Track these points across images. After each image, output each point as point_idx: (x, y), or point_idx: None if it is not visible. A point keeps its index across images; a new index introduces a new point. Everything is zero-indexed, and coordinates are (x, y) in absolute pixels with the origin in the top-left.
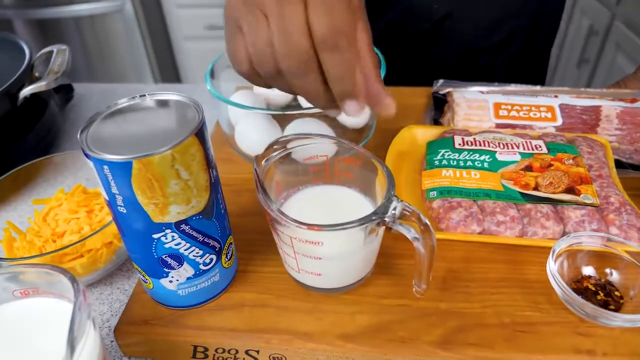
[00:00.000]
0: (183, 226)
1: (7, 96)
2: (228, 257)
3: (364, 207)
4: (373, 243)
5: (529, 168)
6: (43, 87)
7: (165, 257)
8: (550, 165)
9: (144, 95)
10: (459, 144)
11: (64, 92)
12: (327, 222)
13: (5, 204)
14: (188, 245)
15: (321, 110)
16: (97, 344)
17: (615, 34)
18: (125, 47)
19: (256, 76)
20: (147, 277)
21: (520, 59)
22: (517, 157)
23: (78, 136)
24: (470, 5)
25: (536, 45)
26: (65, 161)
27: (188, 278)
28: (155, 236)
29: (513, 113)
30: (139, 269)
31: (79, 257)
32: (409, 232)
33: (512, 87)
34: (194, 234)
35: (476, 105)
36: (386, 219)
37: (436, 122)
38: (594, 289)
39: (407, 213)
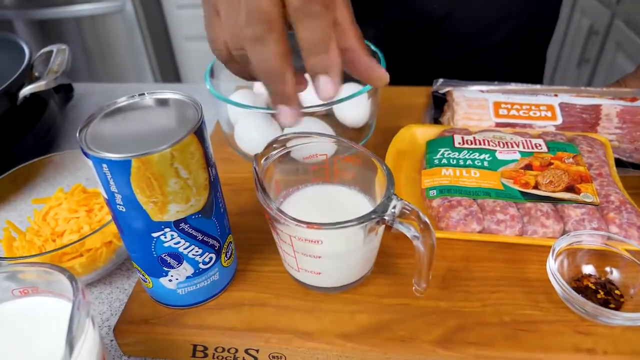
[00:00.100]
0: (182, 225)
1: (6, 95)
2: (227, 256)
3: (364, 206)
4: (373, 242)
5: (529, 167)
6: (43, 86)
7: (165, 256)
8: (550, 164)
9: (143, 94)
10: (459, 143)
11: (64, 91)
12: (326, 221)
13: (4, 204)
14: (187, 244)
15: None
16: (96, 343)
17: (615, 33)
18: (125, 47)
19: (235, 62)
20: (146, 276)
21: (519, 59)
22: (517, 156)
23: (77, 135)
24: (470, 5)
25: (535, 46)
26: (65, 161)
27: (187, 277)
28: (155, 235)
29: (513, 112)
30: (139, 268)
31: (79, 256)
32: (409, 230)
33: (512, 86)
34: (194, 232)
35: (476, 104)
36: (386, 218)
37: (436, 121)
38: (594, 287)
39: (407, 211)
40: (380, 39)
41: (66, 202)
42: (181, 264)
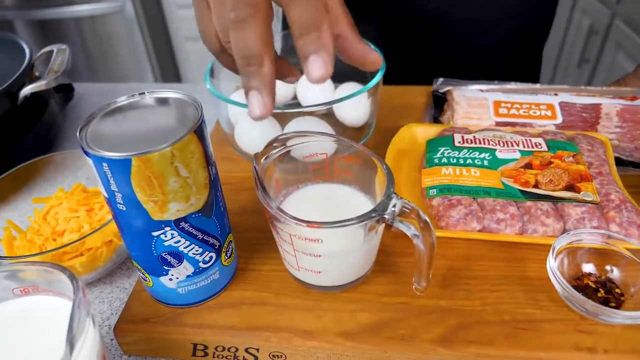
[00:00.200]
0: (182, 224)
1: (7, 95)
2: (228, 255)
3: (364, 205)
4: (373, 241)
5: (528, 166)
6: (43, 86)
7: (165, 254)
8: (550, 162)
9: (143, 93)
10: (459, 142)
11: (64, 91)
12: (326, 220)
13: (5, 203)
14: (187, 243)
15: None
16: (96, 342)
17: (615, 33)
18: (125, 48)
19: (226, 54)
20: (146, 275)
21: (517, 59)
22: (517, 155)
23: (77, 134)
24: (469, 5)
25: (532, 46)
26: (66, 160)
27: (188, 276)
28: (155, 234)
29: (513, 111)
30: (139, 267)
31: (79, 255)
32: (409, 229)
33: (512, 86)
34: (194, 231)
35: (476, 103)
36: (386, 216)
37: (436, 120)
38: (594, 286)
39: (407, 210)
40: (378, 38)
41: (66, 201)
42: (181, 262)
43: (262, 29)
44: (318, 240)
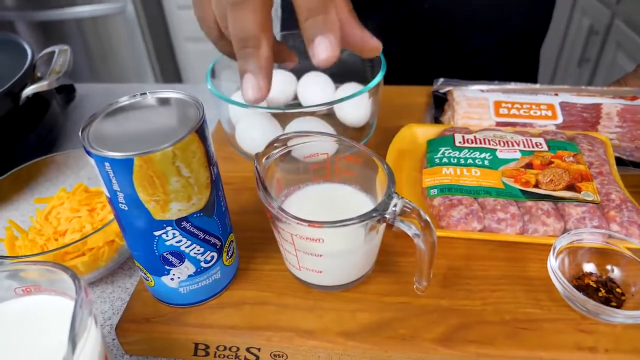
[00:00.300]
0: (184, 223)
1: (9, 96)
2: (229, 254)
3: (365, 204)
4: (374, 240)
5: (529, 165)
6: (45, 86)
7: (167, 254)
8: (551, 162)
9: (145, 93)
10: (460, 142)
11: (66, 92)
12: (327, 220)
13: (7, 203)
14: (189, 242)
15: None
16: (98, 341)
17: (615, 33)
18: (126, 48)
19: (224, 40)
20: (148, 274)
21: (515, 59)
22: (518, 155)
23: (79, 134)
24: (465, 4)
25: (530, 46)
26: (67, 160)
27: (189, 276)
28: (157, 233)
29: (513, 111)
30: (141, 267)
31: (81, 255)
32: (410, 228)
33: (512, 86)
34: (195, 231)
35: (476, 103)
36: (387, 216)
37: (436, 120)
38: (595, 285)
39: (408, 210)
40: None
41: (68, 201)
42: (183, 262)
43: (261, 11)
44: (319, 240)
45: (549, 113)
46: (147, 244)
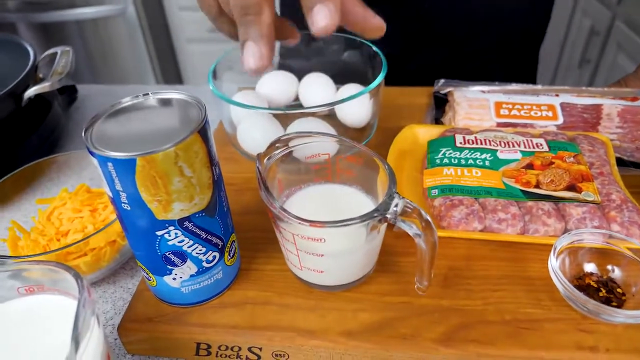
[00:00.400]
0: (186, 223)
1: (11, 97)
2: (231, 254)
3: (366, 205)
4: (375, 240)
5: (530, 166)
6: (47, 88)
7: (169, 254)
8: (552, 163)
9: (147, 94)
10: (460, 143)
11: (68, 93)
12: (329, 219)
13: (9, 204)
14: (191, 242)
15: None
16: (101, 341)
17: (616, 34)
18: (128, 50)
19: (223, 17)
20: (150, 274)
21: (515, 59)
22: (518, 155)
23: (82, 134)
24: (465, 5)
25: (530, 46)
26: (69, 161)
27: (191, 275)
28: (159, 233)
29: (514, 112)
30: (143, 267)
31: (83, 255)
32: (411, 228)
33: (513, 87)
34: (197, 231)
35: (477, 104)
36: (388, 216)
37: (437, 121)
38: (596, 285)
39: (409, 210)
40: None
41: (70, 202)
42: (185, 262)
43: None
44: (321, 240)
45: (550, 114)
46: (149, 244)
